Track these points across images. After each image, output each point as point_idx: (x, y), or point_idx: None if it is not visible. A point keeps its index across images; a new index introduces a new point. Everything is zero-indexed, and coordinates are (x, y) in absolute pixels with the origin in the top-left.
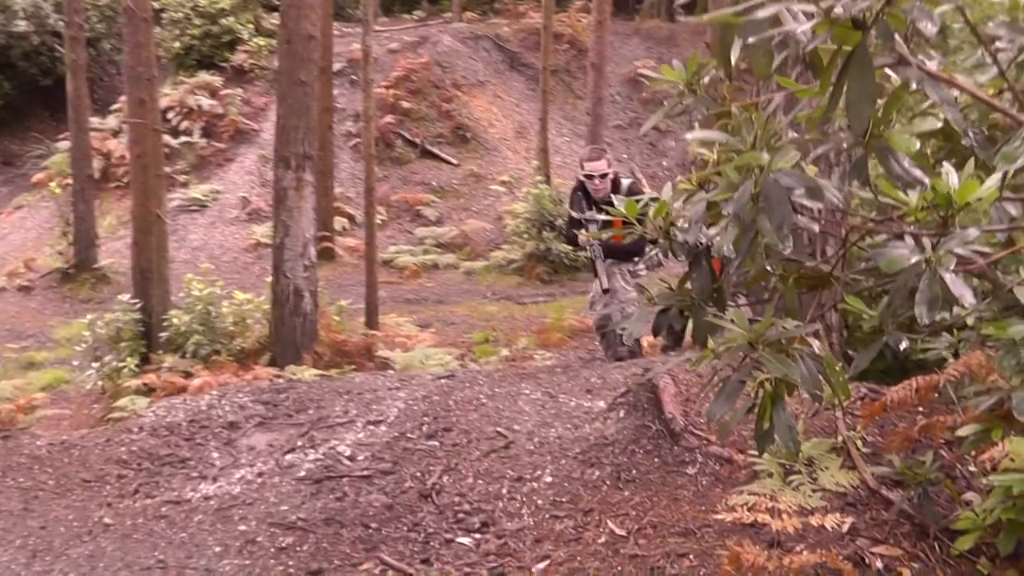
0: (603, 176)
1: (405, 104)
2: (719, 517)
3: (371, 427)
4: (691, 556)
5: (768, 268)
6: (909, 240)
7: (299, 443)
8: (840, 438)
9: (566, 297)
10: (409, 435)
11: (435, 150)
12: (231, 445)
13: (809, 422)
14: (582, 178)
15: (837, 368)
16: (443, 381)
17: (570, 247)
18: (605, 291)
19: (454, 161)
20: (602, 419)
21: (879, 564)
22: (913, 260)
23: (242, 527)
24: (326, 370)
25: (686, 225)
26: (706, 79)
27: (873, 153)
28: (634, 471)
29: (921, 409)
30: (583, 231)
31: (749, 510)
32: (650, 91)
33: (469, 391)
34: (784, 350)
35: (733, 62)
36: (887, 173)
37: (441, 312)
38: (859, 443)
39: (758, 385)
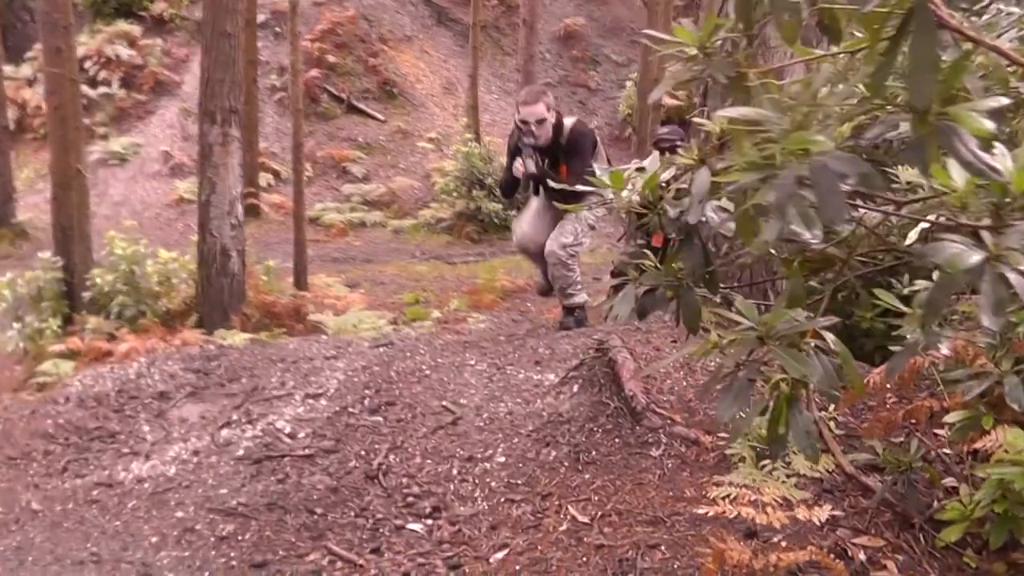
0: (540, 122)
1: (331, 58)
2: (700, 511)
3: (310, 400)
4: (663, 548)
5: (772, 250)
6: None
7: (234, 417)
8: (812, 419)
9: (496, 257)
10: (351, 409)
11: (361, 106)
12: (162, 417)
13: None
14: (518, 124)
15: (853, 364)
16: (382, 350)
17: (503, 204)
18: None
19: (381, 117)
20: (554, 394)
21: (862, 556)
22: (975, 259)
23: (179, 513)
24: (255, 333)
25: (677, 200)
26: (718, 42)
27: (934, 134)
28: (594, 452)
29: (890, 396)
30: (518, 161)
31: (731, 503)
32: (580, 49)
33: (411, 361)
34: (796, 344)
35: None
36: (956, 159)
37: (369, 271)
38: (832, 425)
39: (773, 386)
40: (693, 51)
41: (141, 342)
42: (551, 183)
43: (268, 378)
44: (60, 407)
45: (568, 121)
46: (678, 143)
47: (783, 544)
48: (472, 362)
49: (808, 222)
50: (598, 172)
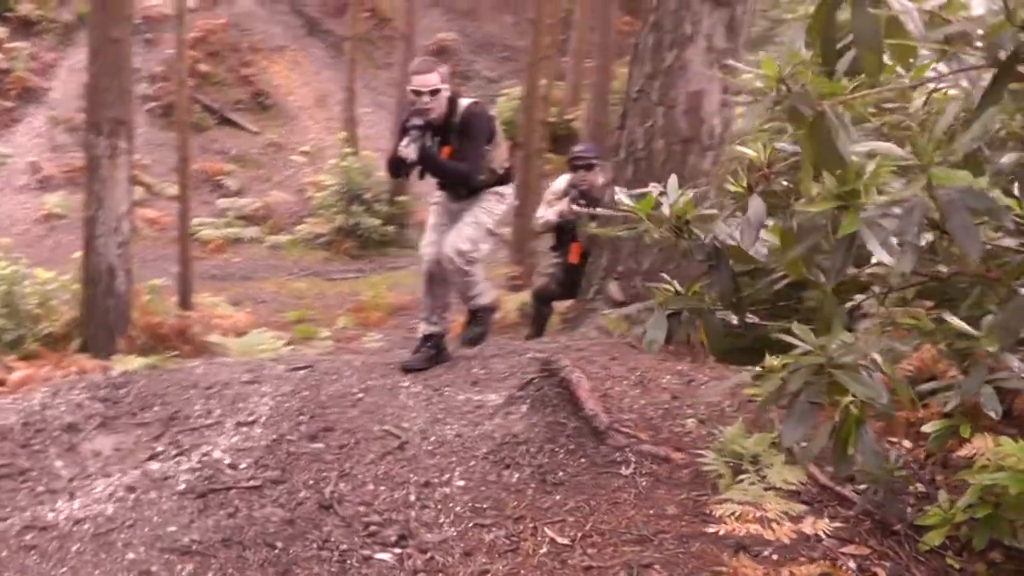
0: (434, 92)
1: (203, 67)
2: (711, 530)
3: (244, 429)
4: (656, 567)
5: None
6: None
7: (159, 448)
8: (776, 433)
9: (376, 273)
10: (289, 437)
11: (235, 117)
12: (74, 451)
13: (735, 416)
14: (409, 94)
15: (905, 384)
16: (302, 373)
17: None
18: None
19: (254, 129)
20: (502, 415)
21: (852, 564)
22: None
23: (131, 555)
24: (143, 356)
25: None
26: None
27: None
28: (560, 473)
29: None
30: (402, 144)
31: (738, 520)
32: (453, 64)
33: (339, 384)
34: (855, 368)
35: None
36: None
37: (249, 289)
38: None
39: (843, 409)
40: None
41: (35, 370)
42: (437, 169)
43: (190, 406)
44: None
45: (465, 101)
46: (593, 161)
47: (775, 558)
48: (406, 384)
49: (946, 255)
50: (494, 160)
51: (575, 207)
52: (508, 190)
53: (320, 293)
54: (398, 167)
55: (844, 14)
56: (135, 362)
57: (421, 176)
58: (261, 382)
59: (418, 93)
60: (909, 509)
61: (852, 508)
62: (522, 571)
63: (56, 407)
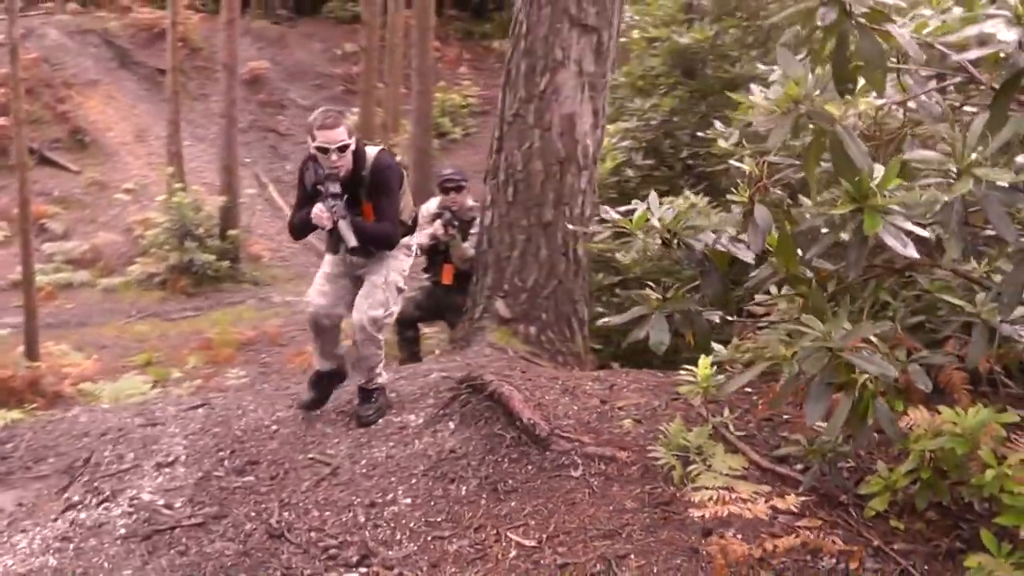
0: (343, 148)
1: None
2: (698, 514)
3: (165, 470)
4: (632, 556)
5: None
6: None
7: (77, 498)
8: (710, 425)
9: (214, 310)
10: (216, 473)
11: (54, 156)
12: None
13: (667, 414)
14: (314, 151)
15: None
16: (201, 411)
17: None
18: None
19: (74, 168)
20: (430, 433)
21: (810, 536)
22: None
23: None
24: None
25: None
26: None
27: None
28: (510, 481)
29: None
30: (319, 204)
31: (718, 503)
32: (267, 93)
33: (248, 418)
34: (862, 350)
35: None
36: None
37: (88, 335)
38: (731, 427)
39: (860, 386)
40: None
41: None
42: (353, 237)
43: (97, 453)
44: None
45: (372, 150)
46: (463, 183)
47: (739, 536)
48: (317, 412)
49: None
50: (405, 214)
51: (449, 229)
52: (413, 240)
53: (162, 334)
54: (307, 229)
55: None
56: (9, 415)
57: (337, 243)
58: (163, 423)
59: (324, 151)
60: (848, 482)
61: (798, 486)
62: (495, 574)
63: None
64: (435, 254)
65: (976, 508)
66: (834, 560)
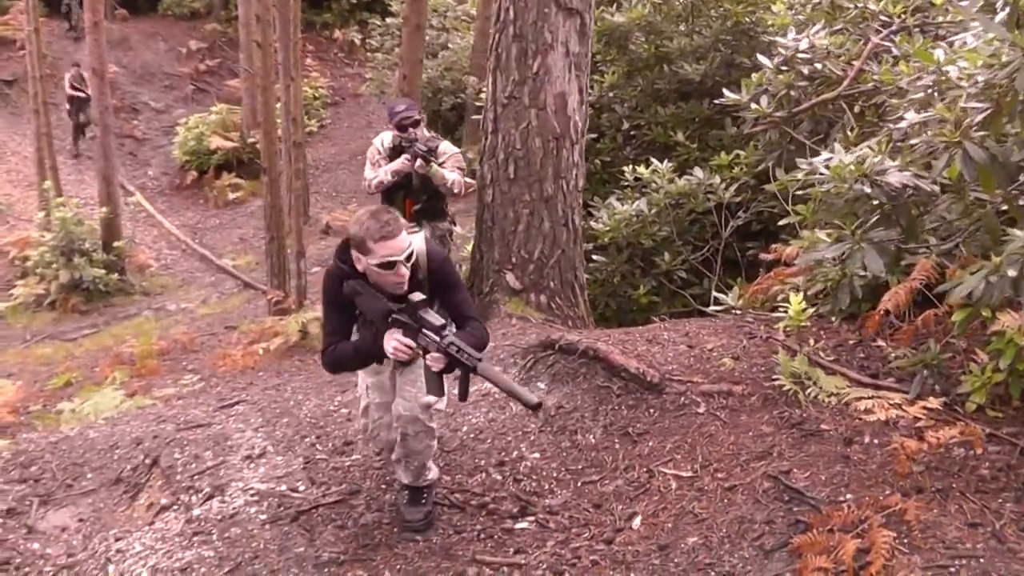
0: (410, 257)
1: None
2: (832, 427)
3: (261, 460)
4: (795, 470)
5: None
6: None
7: (166, 500)
8: (803, 357)
9: (111, 325)
10: (318, 457)
11: None
12: (36, 533)
13: (762, 348)
14: (372, 269)
15: None
16: (242, 408)
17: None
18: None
19: None
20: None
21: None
22: None
23: None
24: None
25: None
26: None
27: None
28: (637, 425)
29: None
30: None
31: (844, 416)
32: (118, 98)
33: (311, 404)
34: None
35: None
36: None
37: None
38: (822, 355)
39: None
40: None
41: None
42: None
43: (168, 458)
44: None
45: (417, 244)
46: (418, 117)
47: (875, 441)
48: None
49: None
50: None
51: (423, 159)
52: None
53: (68, 354)
54: (363, 363)
55: None
56: None
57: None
58: (207, 424)
59: (391, 265)
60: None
61: (896, 395)
62: (665, 505)
63: None
64: (394, 191)
65: None
66: (968, 449)
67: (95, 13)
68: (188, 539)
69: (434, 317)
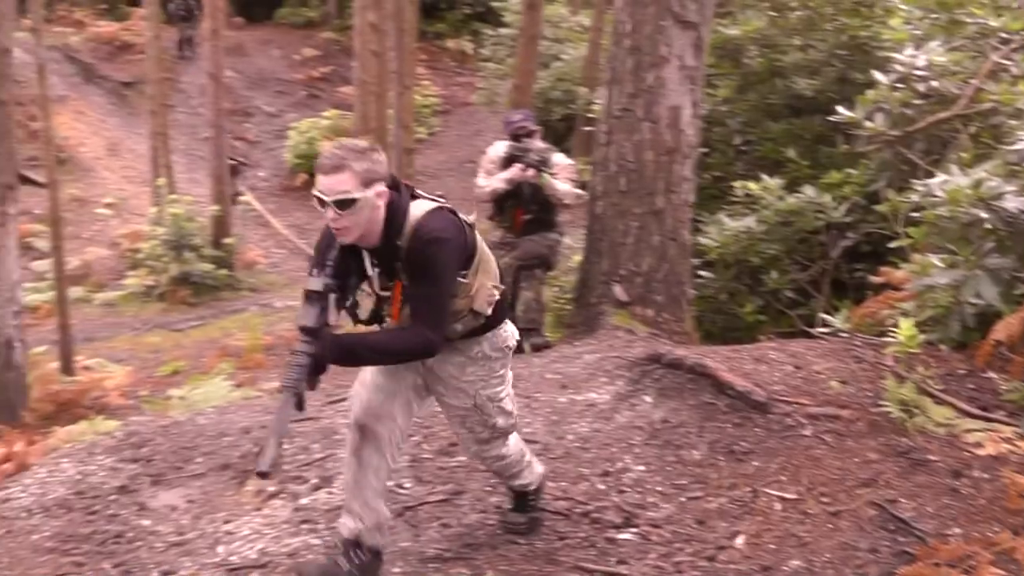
0: (343, 204)
1: None
2: (982, 452)
3: None
4: (901, 500)
5: None
6: None
7: (275, 488)
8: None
9: (219, 319)
10: (424, 456)
11: (32, 175)
12: (147, 510)
13: (867, 374)
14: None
15: None
16: (347, 403)
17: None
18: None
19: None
20: (628, 407)
21: None
22: None
23: (395, 570)
24: (47, 425)
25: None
26: None
27: None
28: (743, 443)
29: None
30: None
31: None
32: (232, 102)
33: None
34: None
35: None
36: None
37: (101, 350)
38: (931, 383)
39: None
40: None
41: (7, 447)
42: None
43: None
44: (31, 521)
45: (419, 208)
46: (534, 128)
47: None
48: None
49: None
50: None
51: (534, 169)
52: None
53: (176, 344)
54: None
55: None
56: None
57: (380, 321)
58: (315, 418)
59: (321, 203)
60: None
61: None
62: (769, 526)
63: (95, 474)
64: (506, 200)
65: None
66: None
67: (215, 21)
68: (296, 526)
69: (307, 314)
